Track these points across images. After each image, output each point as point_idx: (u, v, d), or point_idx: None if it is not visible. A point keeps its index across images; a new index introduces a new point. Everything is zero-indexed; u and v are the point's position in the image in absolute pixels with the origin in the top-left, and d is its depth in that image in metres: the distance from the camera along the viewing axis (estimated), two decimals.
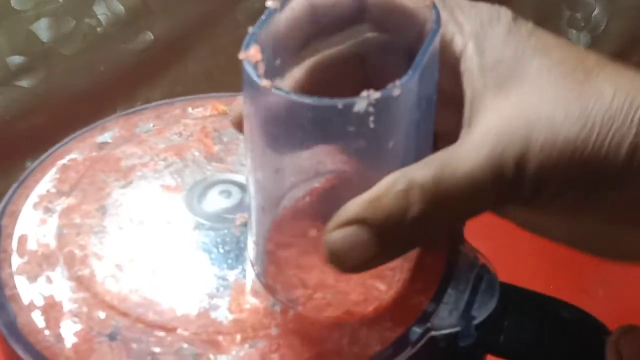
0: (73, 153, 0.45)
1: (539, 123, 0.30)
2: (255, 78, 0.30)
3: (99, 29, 0.71)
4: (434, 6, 0.33)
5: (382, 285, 0.36)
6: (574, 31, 0.86)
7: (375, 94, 0.29)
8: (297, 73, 0.37)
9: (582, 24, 0.85)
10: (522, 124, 0.31)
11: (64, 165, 0.44)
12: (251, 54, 0.31)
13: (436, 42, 0.32)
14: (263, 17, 0.34)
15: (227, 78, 0.73)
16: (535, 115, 0.31)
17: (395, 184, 0.31)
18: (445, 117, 0.35)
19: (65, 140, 0.47)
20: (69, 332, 0.35)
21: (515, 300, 0.39)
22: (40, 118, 0.71)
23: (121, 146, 0.45)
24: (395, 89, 0.30)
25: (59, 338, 0.35)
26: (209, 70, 0.76)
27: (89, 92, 0.72)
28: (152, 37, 0.73)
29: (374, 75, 0.37)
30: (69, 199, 0.42)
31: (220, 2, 0.75)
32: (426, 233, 0.32)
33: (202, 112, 0.48)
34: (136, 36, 0.73)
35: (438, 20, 0.33)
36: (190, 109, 0.49)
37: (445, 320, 0.36)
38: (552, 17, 0.85)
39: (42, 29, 0.69)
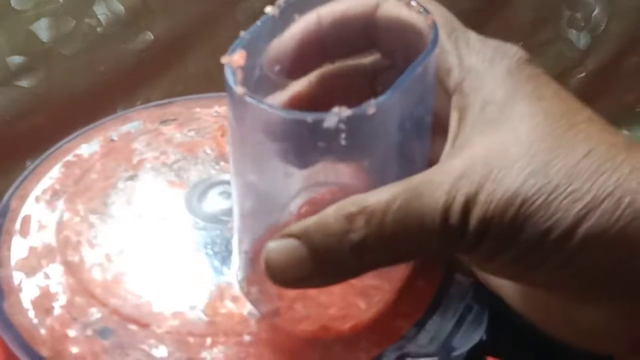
0: (90, 142, 0.46)
1: (496, 171, 0.29)
2: (231, 84, 0.30)
3: (99, 29, 0.71)
4: (434, 25, 0.32)
5: (363, 303, 0.36)
6: (574, 31, 0.86)
7: (346, 111, 0.29)
8: (311, 77, 0.37)
9: (582, 24, 0.85)
10: (481, 170, 0.30)
11: (78, 153, 0.45)
12: (234, 59, 0.31)
13: (430, 63, 0.31)
14: (258, 22, 0.33)
15: None
16: (496, 162, 0.30)
17: (345, 206, 0.30)
18: (442, 144, 0.34)
19: (84, 129, 0.47)
20: (50, 315, 0.36)
21: (508, 327, 0.37)
22: (40, 118, 0.71)
23: (139, 137, 0.46)
24: (370, 107, 0.29)
25: (40, 320, 0.36)
26: (209, 70, 0.76)
27: (89, 92, 0.72)
28: (152, 37, 0.73)
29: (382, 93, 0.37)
30: (77, 186, 0.42)
31: (220, 2, 0.75)
32: (366, 263, 0.31)
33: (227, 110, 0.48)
34: (136, 36, 0.73)
35: (434, 41, 0.32)
36: (217, 107, 0.49)
37: (424, 348, 0.35)
38: (552, 17, 0.85)
39: (42, 29, 0.69)
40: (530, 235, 0.29)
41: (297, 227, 0.31)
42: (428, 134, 0.34)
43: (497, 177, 0.29)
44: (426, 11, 0.33)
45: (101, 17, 0.71)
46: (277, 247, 0.31)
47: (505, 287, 0.35)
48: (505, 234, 0.29)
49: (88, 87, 0.72)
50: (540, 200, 0.29)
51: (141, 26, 0.73)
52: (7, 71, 0.69)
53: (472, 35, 0.34)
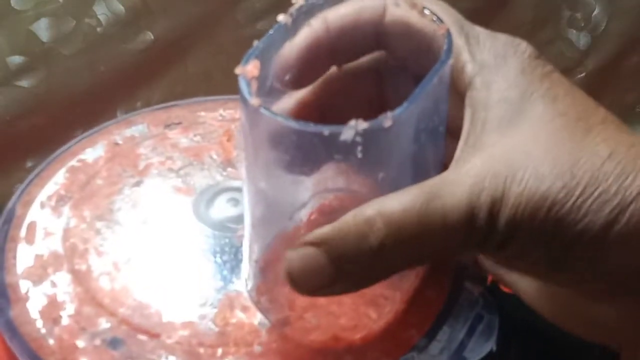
0: (94, 146, 0.46)
1: (521, 172, 0.30)
2: (246, 95, 0.30)
3: (99, 29, 0.71)
4: (448, 35, 0.32)
5: (374, 313, 0.36)
6: (574, 31, 0.86)
7: (363, 124, 0.29)
8: (317, 80, 0.37)
9: (582, 24, 0.85)
10: (505, 171, 0.30)
11: (82, 157, 0.45)
12: (248, 70, 0.31)
13: (444, 73, 0.31)
14: (271, 31, 0.33)
15: (228, 78, 0.73)
16: (520, 164, 0.30)
17: (363, 211, 0.30)
18: (452, 143, 0.34)
19: (88, 132, 0.47)
20: (58, 325, 0.36)
21: (518, 336, 0.38)
22: (40, 118, 0.70)
23: (144, 142, 0.45)
24: (386, 120, 0.29)
25: (48, 330, 0.35)
26: (209, 71, 0.76)
27: (89, 92, 0.72)
28: (152, 37, 0.73)
29: (389, 94, 0.37)
30: (83, 192, 0.42)
31: (220, 2, 0.75)
32: (387, 267, 0.31)
33: (232, 114, 0.48)
34: (136, 36, 0.72)
35: (449, 51, 0.31)
36: (221, 110, 0.48)
37: (435, 359, 0.35)
38: (552, 17, 0.85)
39: (42, 29, 0.69)
40: (562, 237, 0.29)
41: (315, 234, 0.30)
42: (442, 144, 0.34)
43: (522, 179, 0.29)
44: (439, 20, 0.33)
45: (101, 17, 0.71)
46: (297, 255, 0.31)
47: (519, 282, 0.35)
48: (536, 235, 0.30)
49: (88, 87, 0.72)
50: (569, 204, 0.29)
51: (141, 26, 0.72)
52: (7, 71, 0.68)
53: (482, 31, 0.34)
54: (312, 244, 0.30)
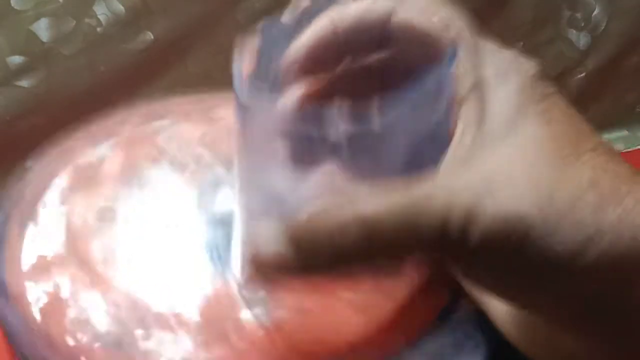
0: (97, 141, 0.46)
1: (500, 193, 0.29)
2: (238, 92, 0.30)
3: (99, 29, 0.71)
4: (455, 42, 0.32)
5: (362, 319, 0.36)
6: (574, 31, 0.86)
7: (352, 128, 0.28)
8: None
9: (582, 24, 0.85)
10: (484, 189, 0.29)
11: (86, 153, 0.45)
12: (244, 66, 0.31)
13: (445, 80, 0.31)
14: (273, 29, 0.33)
15: (227, 78, 0.73)
16: (501, 184, 0.29)
17: (339, 210, 0.30)
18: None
19: (90, 125, 0.47)
20: (59, 324, 0.35)
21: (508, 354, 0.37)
22: (40, 118, 0.71)
23: (150, 136, 0.45)
24: (376, 124, 0.29)
25: (49, 330, 0.35)
26: (209, 70, 0.76)
27: (89, 92, 0.72)
28: (152, 37, 0.73)
29: (388, 88, 0.36)
30: (86, 188, 0.42)
31: (220, 2, 0.75)
32: (348, 258, 0.30)
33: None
34: (136, 36, 0.73)
35: (452, 59, 0.31)
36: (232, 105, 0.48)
37: None
38: (552, 17, 0.85)
39: (42, 29, 0.69)
40: (532, 261, 0.29)
41: (288, 224, 0.30)
42: (440, 150, 0.34)
43: (500, 199, 0.29)
44: (449, 26, 0.32)
45: (101, 17, 0.71)
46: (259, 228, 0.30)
47: (491, 305, 0.35)
48: (507, 256, 0.29)
49: (88, 87, 0.72)
50: (543, 229, 0.28)
51: (141, 26, 0.73)
52: (7, 71, 0.68)
53: (488, 44, 0.34)
54: (283, 231, 0.30)
